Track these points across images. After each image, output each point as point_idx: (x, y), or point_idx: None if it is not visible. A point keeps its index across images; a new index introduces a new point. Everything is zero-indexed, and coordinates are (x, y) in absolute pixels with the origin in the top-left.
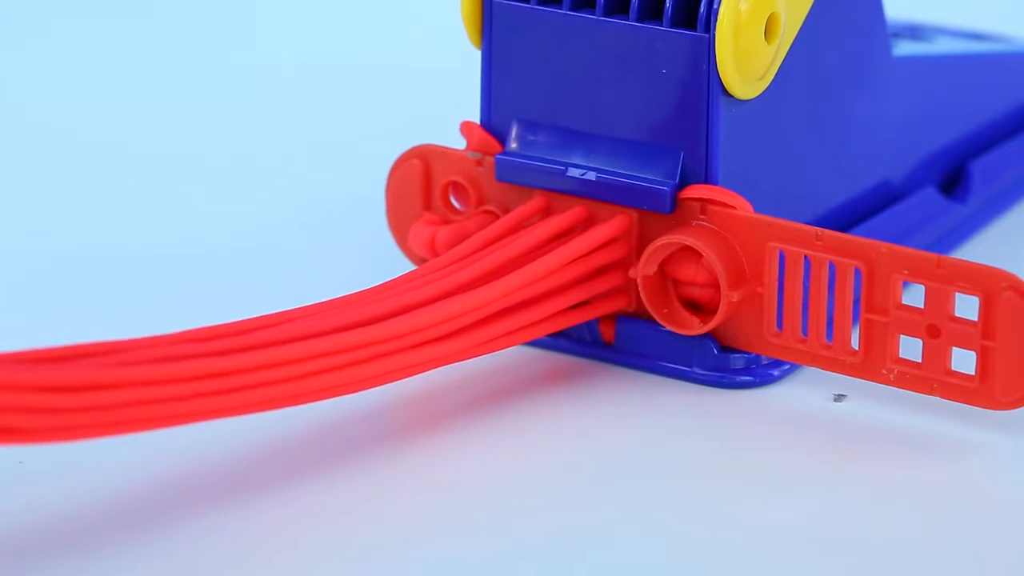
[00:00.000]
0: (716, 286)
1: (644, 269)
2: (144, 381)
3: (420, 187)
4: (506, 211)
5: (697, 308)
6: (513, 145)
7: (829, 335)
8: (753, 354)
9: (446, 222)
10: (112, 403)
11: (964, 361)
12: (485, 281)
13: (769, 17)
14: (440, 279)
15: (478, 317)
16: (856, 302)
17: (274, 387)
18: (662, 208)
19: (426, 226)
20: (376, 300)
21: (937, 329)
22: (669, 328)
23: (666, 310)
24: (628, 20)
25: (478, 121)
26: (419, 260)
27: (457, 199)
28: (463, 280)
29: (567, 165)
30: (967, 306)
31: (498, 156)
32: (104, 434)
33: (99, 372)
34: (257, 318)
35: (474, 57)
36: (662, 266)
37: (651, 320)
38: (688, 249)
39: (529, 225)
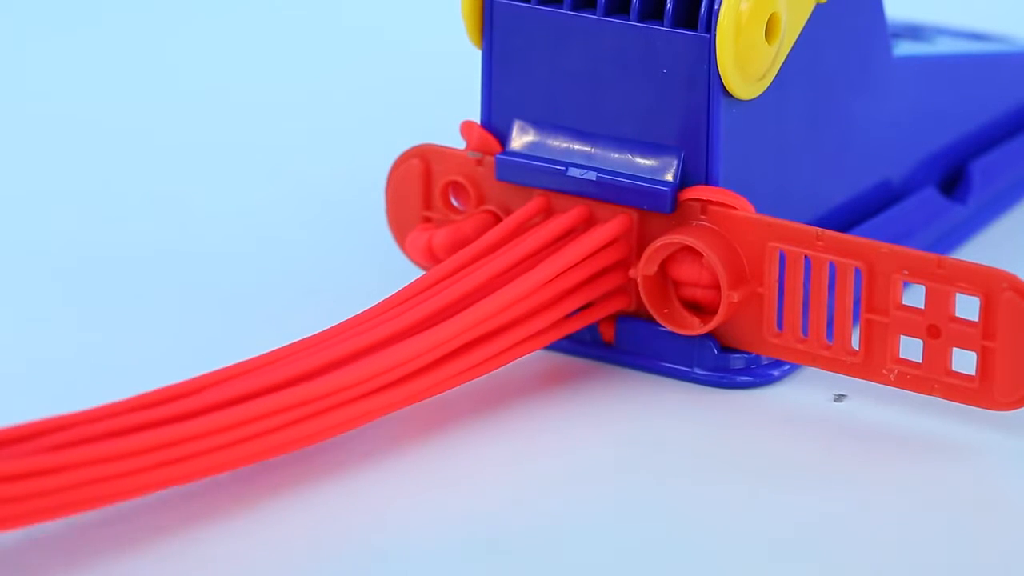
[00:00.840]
0: (716, 287)
1: (644, 269)
2: (95, 460)
3: (420, 187)
4: (506, 210)
5: (698, 309)
6: (514, 145)
7: (829, 335)
8: (753, 354)
9: (441, 225)
10: (64, 485)
11: (964, 361)
12: (481, 294)
13: (770, 17)
14: (431, 298)
15: (466, 340)
16: (856, 302)
17: (231, 449)
18: (663, 208)
19: (421, 233)
20: (347, 338)
21: (937, 329)
22: (669, 328)
23: (666, 310)
24: (629, 20)
25: (478, 121)
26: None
27: (457, 199)
28: (457, 295)
29: (568, 165)
30: (968, 306)
31: (498, 156)
32: (61, 515)
33: (48, 458)
34: (209, 374)
35: (474, 56)
36: (662, 267)
37: (651, 320)
38: (688, 249)
39: (528, 230)
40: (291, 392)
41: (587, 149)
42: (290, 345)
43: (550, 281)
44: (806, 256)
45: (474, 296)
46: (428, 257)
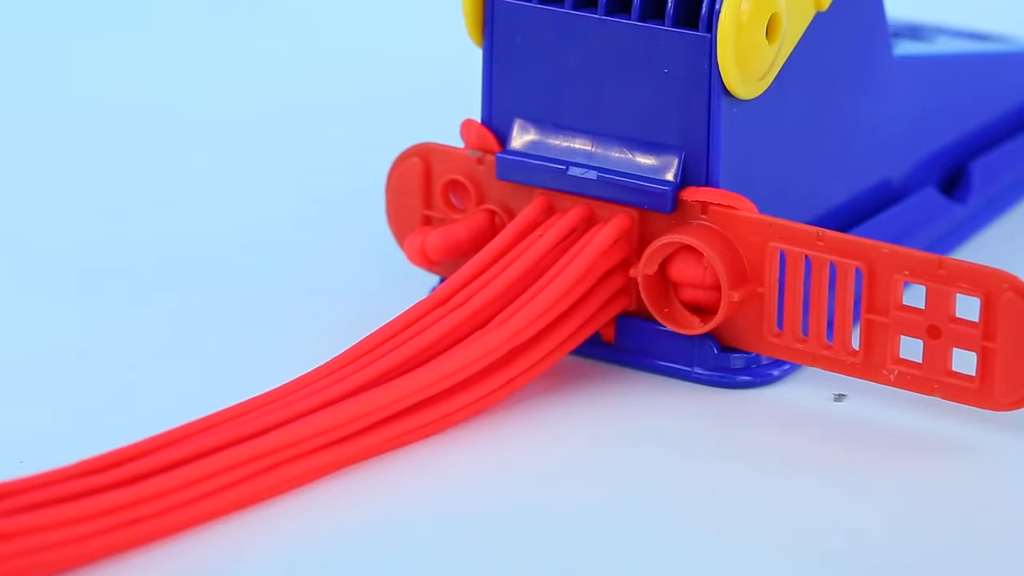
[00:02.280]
0: (717, 288)
1: (645, 268)
2: (44, 526)
3: (420, 185)
4: (506, 209)
5: (698, 310)
6: (514, 144)
7: (830, 335)
8: (753, 354)
9: (434, 228)
10: (16, 551)
11: (964, 362)
12: (485, 315)
13: (771, 17)
14: (422, 332)
15: (461, 378)
16: (857, 302)
17: (184, 509)
18: (663, 208)
19: (415, 236)
20: (334, 381)
21: (938, 330)
22: (669, 327)
23: (666, 309)
24: (630, 19)
25: (479, 120)
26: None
27: (457, 198)
28: (455, 323)
29: (568, 164)
30: (968, 307)
31: (499, 155)
32: None
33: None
34: (160, 435)
35: (475, 55)
36: (663, 267)
37: (651, 319)
38: (689, 249)
39: (529, 232)
40: (259, 442)
41: (588, 148)
42: (275, 390)
43: (545, 313)
44: (807, 256)
45: (478, 318)
46: (422, 260)
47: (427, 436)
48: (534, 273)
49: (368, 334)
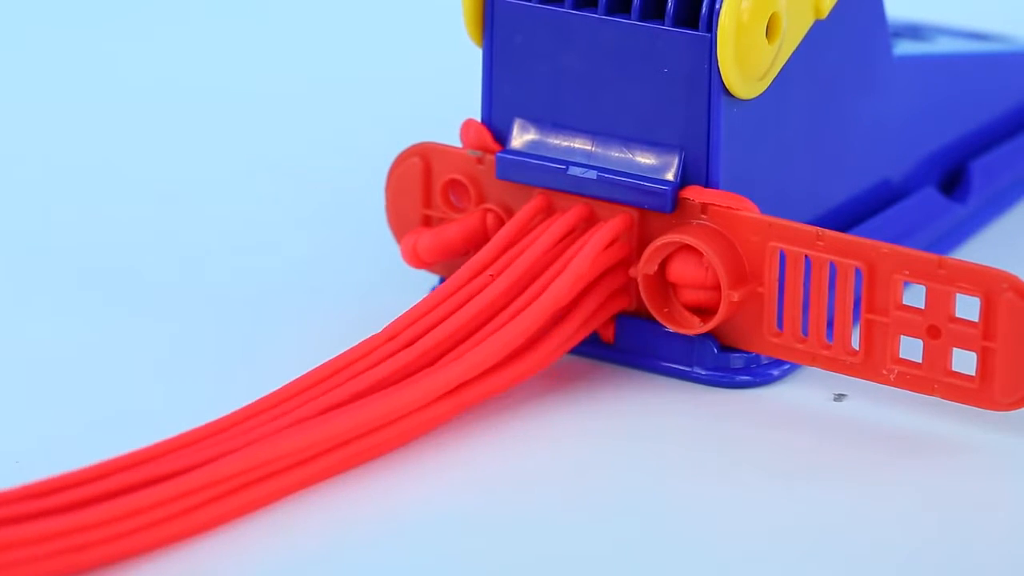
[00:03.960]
0: (717, 289)
1: (644, 268)
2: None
3: (420, 185)
4: (506, 209)
5: (698, 311)
6: (514, 143)
7: (829, 335)
8: (753, 354)
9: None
10: None
11: (964, 362)
12: (487, 316)
13: (771, 17)
14: (418, 338)
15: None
16: (857, 302)
17: (139, 534)
18: (663, 207)
19: (409, 237)
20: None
21: (937, 330)
22: (669, 327)
23: (666, 309)
24: (630, 19)
25: (479, 120)
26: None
27: (457, 197)
28: (459, 323)
29: (568, 164)
30: (968, 307)
31: (499, 154)
32: None
33: None
34: (129, 455)
35: (475, 55)
36: (662, 267)
37: (651, 319)
38: (688, 249)
39: (526, 234)
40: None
41: (588, 148)
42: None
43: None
44: (806, 256)
45: (482, 316)
46: (416, 261)
47: (414, 441)
48: (500, 303)
49: (316, 366)
